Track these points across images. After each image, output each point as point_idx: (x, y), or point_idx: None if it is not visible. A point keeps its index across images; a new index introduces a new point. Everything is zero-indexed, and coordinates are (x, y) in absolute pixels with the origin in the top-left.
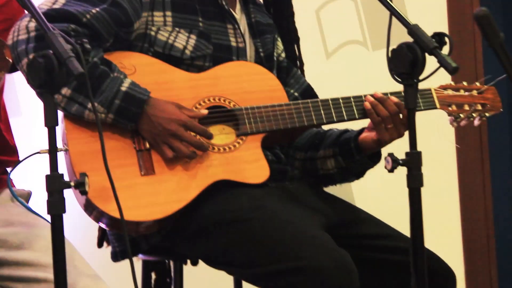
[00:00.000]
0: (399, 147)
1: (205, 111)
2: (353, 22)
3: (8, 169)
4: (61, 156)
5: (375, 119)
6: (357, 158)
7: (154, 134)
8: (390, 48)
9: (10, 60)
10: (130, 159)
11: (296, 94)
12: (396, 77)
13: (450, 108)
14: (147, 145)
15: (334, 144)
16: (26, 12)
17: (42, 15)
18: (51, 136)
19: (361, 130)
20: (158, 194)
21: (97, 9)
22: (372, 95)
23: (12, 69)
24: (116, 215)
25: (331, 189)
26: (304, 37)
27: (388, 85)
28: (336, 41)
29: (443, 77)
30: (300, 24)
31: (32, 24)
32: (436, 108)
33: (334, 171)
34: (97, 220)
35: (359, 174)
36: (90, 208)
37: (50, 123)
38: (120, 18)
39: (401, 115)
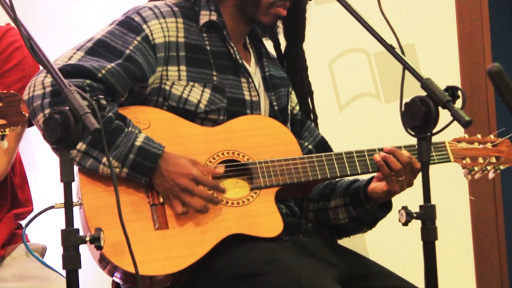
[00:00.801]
0: (412, 199)
1: (221, 169)
2: (366, 75)
3: (23, 223)
4: (75, 210)
5: (386, 172)
6: (367, 207)
7: (166, 188)
8: (403, 102)
9: (27, 115)
10: (144, 213)
11: (310, 146)
12: (409, 131)
13: (464, 161)
14: (161, 199)
15: (345, 193)
16: (41, 67)
17: (58, 71)
18: (67, 191)
19: (370, 179)
20: (172, 248)
21: (112, 64)
22: (381, 149)
23: (29, 123)
24: (130, 269)
25: (345, 242)
26: (317, 89)
27: (402, 137)
28: (349, 93)
29: (456, 130)
30: (313, 76)
31: (48, 80)
32: (450, 161)
33: (345, 221)
34: (111, 274)
35: (371, 224)
36: (104, 262)
37: (66, 178)
38: (135, 73)
39: (412, 168)
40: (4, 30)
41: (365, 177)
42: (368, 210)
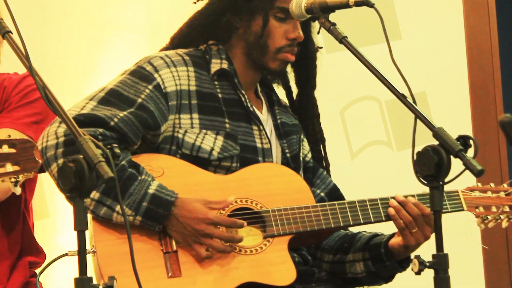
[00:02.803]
0: (425, 248)
1: (231, 198)
2: (377, 123)
3: (37, 271)
4: (88, 257)
5: (400, 225)
6: (387, 264)
7: (185, 235)
8: (415, 150)
9: (40, 161)
10: (157, 261)
11: (322, 194)
12: (422, 180)
13: (477, 210)
14: (174, 247)
15: (364, 248)
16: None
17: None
18: (81, 239)
19: (392, 235)
20: None
21: (125, 112)
22: (393, 198)
23: (41, 169)
24: None
25: None
26: (329, 137)
27: (413, 185)
28: (361, 141)
29: (469, 178)
30: (324, 124)
31: (61, 129)
32: (463, 210)
33: (363, 274)
34: None
35: (388, 279)
36: None
37: (80, 226)
38: (147, 120)
39: (423, 216)
40: (24, 76)
41: (381, 226)
42: (388, 266)
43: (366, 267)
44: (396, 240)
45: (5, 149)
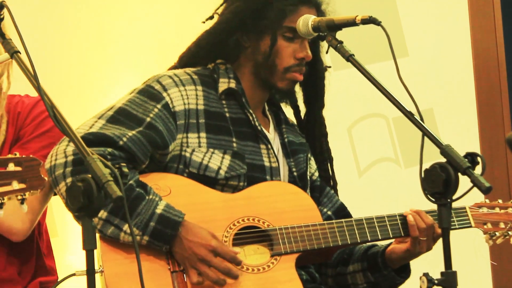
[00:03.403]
0: (434, 265)
1: (237, 251)
2: (385, 140)
3: None
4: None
5: (415, 232)
6: (384, 273)
7: (184, 257)
8: (423, 168)
9: (46, 179)
10: (164, 280)
11: (329, 213)
12: (429, 197)
13: (485, 226)
14: (182, 266)
15: (362, 258)
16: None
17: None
18: (89, 258)
19: (388, 245)
20: None
21: (133, 132)
22: (401, 214)
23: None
24: None
25: None
26: (336, 155)
27: (421, 202)
28: (369, 158)
29: (477, 194)
30: (332, 142)
31: (70, 148)
32: (471, 226)
33: (364, 286)
34: None
35: None
36: None
37: (89, 246)
38: (156, 140)
39: (433, 233)
40: (37, 100)
41: (385, 242)
42: (386, 275)
43: (366, 278)
44: (399, 246)
45: (12, 167)
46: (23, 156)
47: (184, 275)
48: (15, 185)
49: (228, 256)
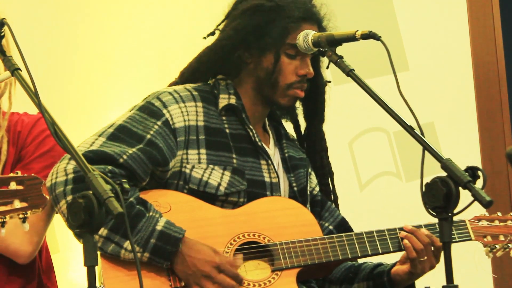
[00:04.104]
0: (435, 279)
1: (240, 261)
2: (386, 154)
3: None
4: None
5: (412, 254)
6: None
7: (188, 274)
8: (424, 181)
9: (47, 197)
10: None
11: (330, 227)
12: (430, 211)
13: (485, 239)
14: (183, 283)
15: (368, 277)
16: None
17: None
18: (90, 275)
19: (394, 264)
20: None
21: (134, 149)
22: (401, 228)
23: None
24: None
25: None
26: (337, 169)
27: (422, 216)
28: (370, 173)
29: (477, 207)
30: (333, 156)
31: (70, 166)
32: (471, 239)
33: None
34: None
35: None
36: None
37: (90, 262)
38: (156, 157)
39: (432, 247)
40: (37, 118)
41: (388, 257)
42: None
43: None
44: (401, 268)
45: (13, 186)
46: (25, 174)
47: None
48: (17, 203)
49: (231, 273)
